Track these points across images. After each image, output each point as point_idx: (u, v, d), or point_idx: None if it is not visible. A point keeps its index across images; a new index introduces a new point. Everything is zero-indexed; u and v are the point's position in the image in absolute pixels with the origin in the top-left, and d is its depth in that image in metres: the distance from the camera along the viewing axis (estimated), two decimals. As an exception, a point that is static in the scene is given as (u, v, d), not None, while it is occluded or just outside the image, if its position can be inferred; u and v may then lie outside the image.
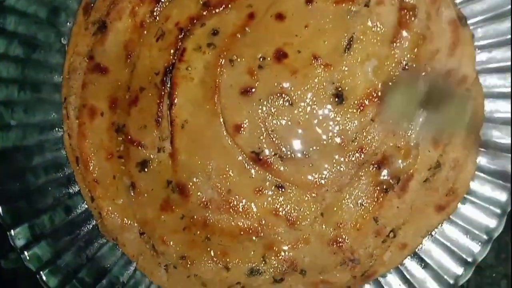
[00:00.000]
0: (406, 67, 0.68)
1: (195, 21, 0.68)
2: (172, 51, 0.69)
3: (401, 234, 0.69)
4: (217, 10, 0.69)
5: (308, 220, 0.70)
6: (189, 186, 0.70)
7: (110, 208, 0.71)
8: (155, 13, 0.68)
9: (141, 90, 0.69)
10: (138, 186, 0.70)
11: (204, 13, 0.69)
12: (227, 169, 0.71)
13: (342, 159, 0.70)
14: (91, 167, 0.71)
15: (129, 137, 0.69)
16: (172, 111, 0.69)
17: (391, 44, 0.68)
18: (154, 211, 0.70)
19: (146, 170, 0.70)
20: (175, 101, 0.69)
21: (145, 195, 0.70)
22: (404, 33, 0.68)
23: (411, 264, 0.70)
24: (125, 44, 0.69)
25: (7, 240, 0.70)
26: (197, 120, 0.70)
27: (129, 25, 0.68)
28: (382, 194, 0.69)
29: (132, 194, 0.70)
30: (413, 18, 0.67)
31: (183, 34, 0.68)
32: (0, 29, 0.68)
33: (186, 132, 0.70)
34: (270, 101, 0.70)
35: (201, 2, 0.68)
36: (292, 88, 0.70)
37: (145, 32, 0.69)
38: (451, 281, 0.68)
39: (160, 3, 0.69)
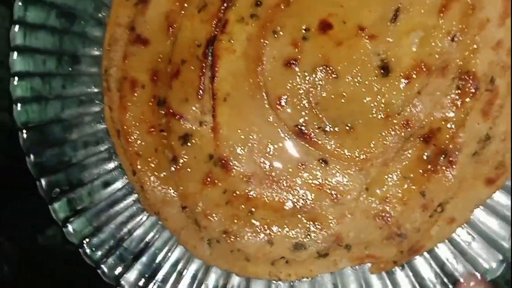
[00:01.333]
0: (455, 38, 0.66)
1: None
2: (214, 22, 0.68)
3: (449, 208, 0.68)
4: (261, -20, 0.67)
5: (353, 194, 0.69)
6: (231, 160, 0.69)
7: (152, 181, 0.70)
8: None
9: (182, 62, 0.68)
10: (180, 159, 0.69)
11: (245, -16, 0.67)
12: (270, 143, 0.69)
13: (387, 132, 0.68)
14: (133, 140, 0.70)
15: (171, 110, 0.68)
16: (214, 84, 0.68)
17: (439, 14, 0.66)
18: (196, 185, 0.69)
19: (188, 143, 0.69)
20: (217, 73, 0.68)
21: (187, 169, 0.69)
22: (453, 3, 0.66)
23: (459, 238, 0.69)
24: (166, 15, 0.68)
25: (44, 215, 0.69)
26: (239, 93, 0.69)
27: None
28: (429, 168, 0.67)
29: (174, 167, 0.69)
30: (462, -13, 0.66)
31: (225, 5, 0.67)
32: (37, 0, 0.67)
33: (228, 105, 0.69)
34: (314, 73, 0.69)
35: (246, -28, 0.67)
36: (337, 60, 0.69)
37: (186, 3, 0.68)
38: (500, 257, 0.67)
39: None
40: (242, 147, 0.69)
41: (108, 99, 0.71)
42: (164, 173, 0.70)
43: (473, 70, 0.66)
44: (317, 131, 0.69)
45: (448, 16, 0.66)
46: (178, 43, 0.68)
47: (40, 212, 0.69)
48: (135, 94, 0.69)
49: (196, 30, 0.68)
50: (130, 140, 0.69)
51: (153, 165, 0.70)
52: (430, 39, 0.67)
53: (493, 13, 0.66)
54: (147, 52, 0.68)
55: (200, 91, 0.68)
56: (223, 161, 0.69)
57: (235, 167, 0.69)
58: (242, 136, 0.69)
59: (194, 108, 0.68)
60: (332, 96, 0.69)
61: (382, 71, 0.68)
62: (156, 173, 0.70)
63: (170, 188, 0.70)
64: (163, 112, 0.69)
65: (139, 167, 0.70)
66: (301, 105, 0.69)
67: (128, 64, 0.69)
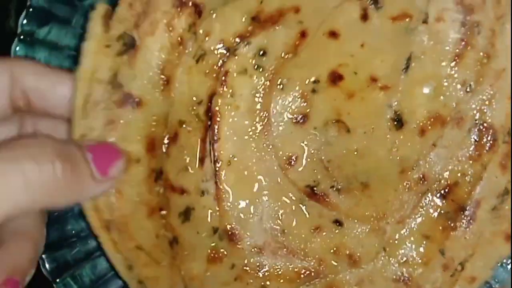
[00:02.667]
0: (470, 88, 0.64)
1: (240, 39, 0.59)
2: (215, 75, 0.59)
3: (468, 267, 0.65)
4: (266, 27, 0.60)
5: (371, 256, 0.65)
6: (239, 231, 0.62)
7: (155, 275, 0.59)
8: (195, 29, 0.58)
9: (180, 124, 0.59)
10: (182, 239, 0.60)
11: (251, 29, 0.60)
12: (281, 207, 0.63)
13: (403, 188, 0.64)
14: (133, 232, 0.57)
15: (169, 183, 0.59)
16: (215, 146, 0.60)
17: (452, 63, 0.63)
18: (201, 265, 0.61)
19: (189, 219, 0.60)
20: (219, 134, 0.60)
21: (190, 248, 0.61)
22: (466, 52, 0.63)
23: (480, 296, 0.67)
24: (162, 67, 0.56)
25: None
26: (245, 155, 0.61)
27: (165, 42, 0.56)
28: (447, 225, 0.64)
29: (175, 249, 0.60)
30: (476, 36, 0.63)
31: (228, 54, 0.59)
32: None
33: (233, 169, 0.61)
34: (325, 128, 0.63)
35: (249, 17, 0.59)
36: (349, 114, 0.63)
37: (181, 52, 0.58)
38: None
39: (201, 16, 0.58)
40: (250, 215, 0.62)
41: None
42: (166, 260, 0.60)
43: (489, 121, 0.63)
44: (330, 190, 0.64)
45: (462, 65, 0.63)
46: (175, 101, 0.58)
47: None
48: (130, 172, 0.55)
49: (195, 84, 0.58)
50: (129, 232, 0.57)
51: (155, 255, 0.59)
52: (444, 89, 0.63)
53: (509, 62, 0.64)
54: (140, 116, 0.55)
55: (202, 156, 0.59)
56: (229, 233, 0.62)
57: (243, 239, 0.62)
58: (250, 203, 0.62)
59: (195, 176, 0.60)
60: (345, 152, 0.64)
61: (395, 123, 0.64)
62: (159, 263, 0.59)
63: (174, 274, 0.61)
64: (160, 188, 0.59)
65: (141, 262, 0.58)
66: (313, 163, 0.63)
67: (116, 133, 0.54)
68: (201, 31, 0.58)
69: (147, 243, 0.58)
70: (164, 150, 0.57)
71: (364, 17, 0.63)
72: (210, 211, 0.61)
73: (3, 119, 0.55)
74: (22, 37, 0.61)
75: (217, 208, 0.61)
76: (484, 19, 0.64)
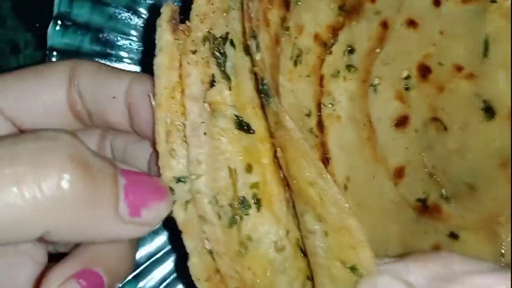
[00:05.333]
0: (550, 64, 0.60)
1: (333, 32, 0.49)
2: (316, 78, 0.48)
3: None
4: (353, 17, 0.50)
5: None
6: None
7: None
8: (286, 24, 0.46)
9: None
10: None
11: (342, 21, 0.50)
12: (402, 231, 0.52)
13: (506, 182, 0.58)
14: None
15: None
16: (328, 168, 0.48)
17: (530, 41, 0.60)
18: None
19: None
20: (329, 152, 0.48)
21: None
22: (540, 26, 0.61)
23: None
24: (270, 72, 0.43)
25: None
26: (358, 174, 0.50)
27: (268, 41, 0.43)
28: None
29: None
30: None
31: (325, 50, 0.48)
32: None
33: (351, 193, 0.49)
34: (425, 129, 0.55)
35: (336, 5, 0.49)
36: (443, 109, 0.56)
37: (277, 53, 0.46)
38: None
39: (289, 8, 0.46)
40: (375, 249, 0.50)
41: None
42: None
43: None
44: (440, 200, 0.55)
45: (538, 41, 0.61)
46: None
47: None
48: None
49: (299, 92, 0.47)
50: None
51: None
52: (524, 69, 0.60)
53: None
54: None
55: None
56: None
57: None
58: (371, 234, 0.50)
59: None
60: (445, 154, 0.56)
61: (486, 113, 0.58)
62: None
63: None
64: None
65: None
66: (418, 172, 0.54)
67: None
68: (292, 25, 0.46)
69: None
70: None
71: (436, 2, 0.58)
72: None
73: (67, 127, 0.41)
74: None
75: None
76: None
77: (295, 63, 0.47)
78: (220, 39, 0.40)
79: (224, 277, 0.40)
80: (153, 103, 0.40)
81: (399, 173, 0.53)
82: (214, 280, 0.40)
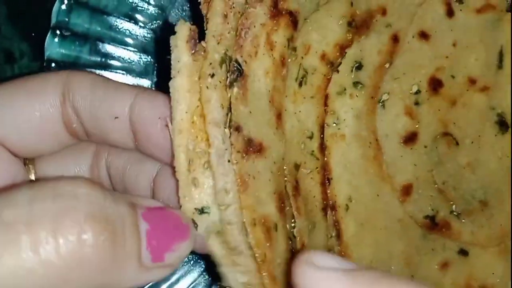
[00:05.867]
0: None
1: (341, 50, 0.48)
2: (321, 99, 0.47)
3: None
4: (362, 32, 0.49)
5: (505, 282, 0.56)
6: None
7: None
8: (293, 44, 0.45)
9: (296, 168, 0.45)
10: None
11: (350, 38, 0.49)
12: (407, 249, 0.52)
13: (520, 198, 0.57)
14: None
15: (303, 246, 0.44)
16: (328, 189, 0.47)
17: (545, 51, 0.58)
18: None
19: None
20: (331, 172, 0.48)
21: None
22: (557, 37, 0.58)
23: None
24: (271, 97, 0.42)
25: None
26: (361, 194, 0.49)
27: (269, 64, 0.42)
28: None
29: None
30: None
31: (331, 69, 0.47)
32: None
33: (352, 214, 0.48)
34: (435, 145, 0.54)
35: (345, 22, 0.48)
36: (455, 124, 0.55)
37: (282, 75, 0.44)
38: None
39: (297, 27, 0.45)
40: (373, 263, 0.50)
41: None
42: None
43: None
44: (450, 216, 0.54)
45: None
46: (287, 140, 0.44)
47: None
48: (274, 244, 0.39)
49: (302, 114, 0.46)
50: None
51: None
52: (540, 81, 0.58)
53: None
54: (265, 164, 0.40)
55: (324, 205, 0.46)
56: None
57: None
58: (374, 253, 0.50)
59: (323, 233, 0.46)
60: (457, 169, 0.55)
61: (500, 126, 0.57)
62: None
63: None
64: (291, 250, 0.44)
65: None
66: (427, 189, 0.53)
67: (247, 197, 0.38)
68: (299, 45, 0.46)
69: None
70: (292, 206, 0.43)
71: (449, 12, 0.56)
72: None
73: (61, 144, 0.40)
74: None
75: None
76: None
77: (300, 84, 0.46)
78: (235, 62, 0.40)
79: None
80: (170, 127, 0.38)
81: (406, 190, 0.52)
82: None
